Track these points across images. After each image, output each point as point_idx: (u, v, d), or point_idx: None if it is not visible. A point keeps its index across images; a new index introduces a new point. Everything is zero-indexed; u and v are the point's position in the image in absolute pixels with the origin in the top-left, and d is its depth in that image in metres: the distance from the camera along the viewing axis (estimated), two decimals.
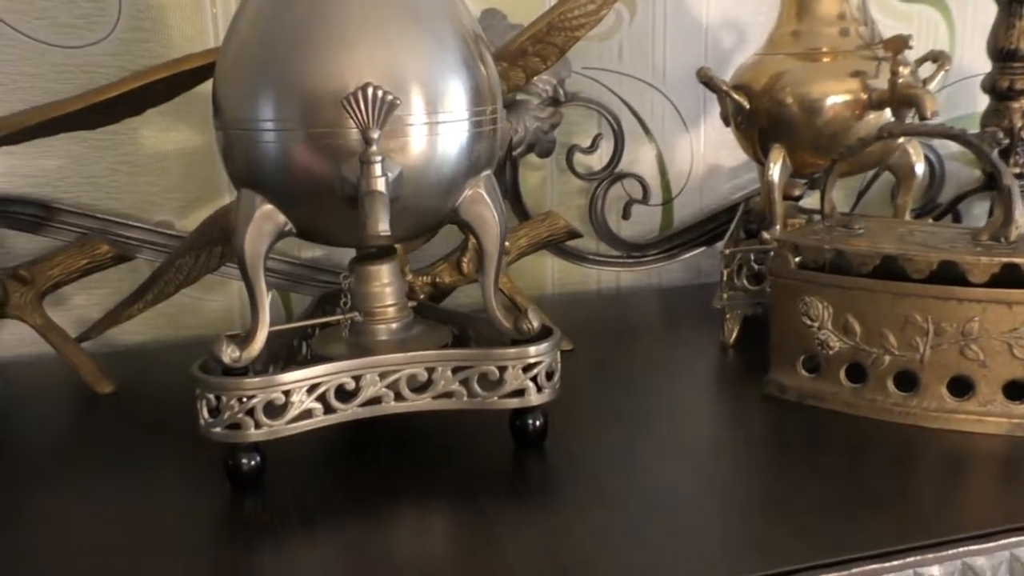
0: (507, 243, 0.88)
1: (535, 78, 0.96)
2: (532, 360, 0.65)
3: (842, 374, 0.72)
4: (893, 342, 0.69)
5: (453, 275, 0.88)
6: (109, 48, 0.92)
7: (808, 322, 0.72)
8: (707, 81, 0.90)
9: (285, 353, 0.72)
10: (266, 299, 0.63)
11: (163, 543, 0.58)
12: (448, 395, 0.65)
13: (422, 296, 0.86)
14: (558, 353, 0.67)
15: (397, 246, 0.86)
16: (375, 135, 0.55)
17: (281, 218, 0.62)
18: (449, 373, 0.65)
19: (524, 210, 1.03)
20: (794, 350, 0.74)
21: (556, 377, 0.67)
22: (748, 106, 0.89)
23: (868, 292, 0.69)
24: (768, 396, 0.76)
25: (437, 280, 0.87)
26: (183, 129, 0.96)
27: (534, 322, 0.66)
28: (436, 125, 0.61)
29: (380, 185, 0.56)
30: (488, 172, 0.65)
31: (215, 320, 1.01)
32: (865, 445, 0.68)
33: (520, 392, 0.65)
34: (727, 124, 0.94)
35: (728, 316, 0.87)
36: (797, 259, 0.73)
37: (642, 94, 1.09)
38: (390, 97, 0.55)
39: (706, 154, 1.13)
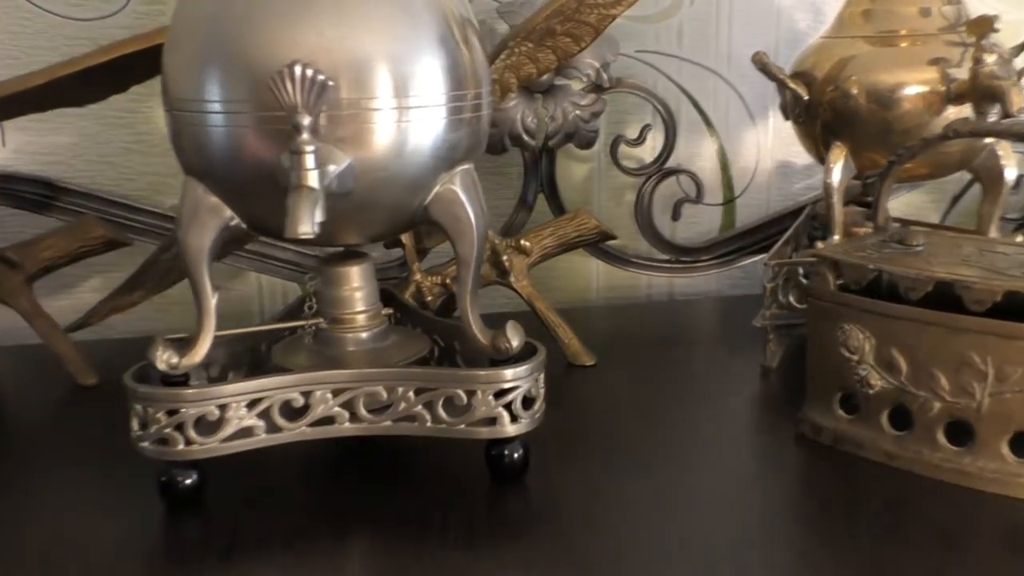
0: (528, 243, 0.80)
1: (576, 62, 0.87)
2: (506, 385, 0.56)
3: (884, 418, 0.61)
4: (945, 385, 0.58)
5: None
6: (124, 20, 0.88)
7: (846, 354, 0.61)
8: (762, 67, 0.80)
9: (249, 360, 0.65)
10: (212, 299, 0.57)
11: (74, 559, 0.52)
12: (411, 419, 0.57)
13: (429, 298, 0.78)
14: (541, 377, 0.58)
15: (406, 241, 0.79)
16: (305, 121, 0.48)
17: (226, 212, 0.55)
18: (411, 394, 0.57)
19: (561, 205, 0.94)
20: (831, 386, 0.63)
21: (538, 405, 0.58)
22: (807, 97, 0.78)
23: (917, 323, 0.58)
24: (801, 436, 0.65)
25: (448, 280, 0.79)
26: None
27: (512, 340, 0.57)
28: (404, 111, 0.53)
29: (311, 179, 0.48)
30: (467, 166, 0.57)
31: (234, 310, 0.96)
32: (907, 508, 0.57)
33: (491, 420, 0.57)
34: (786, 117, 0.83)
35: (771, 336, 0.77)
36: (837, 279, 0.62)
37: (703, 81, 0.98)
38: (321, 77, 0.47)
39: (775, 149, 1.01)
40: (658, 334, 0.88)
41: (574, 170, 0.98)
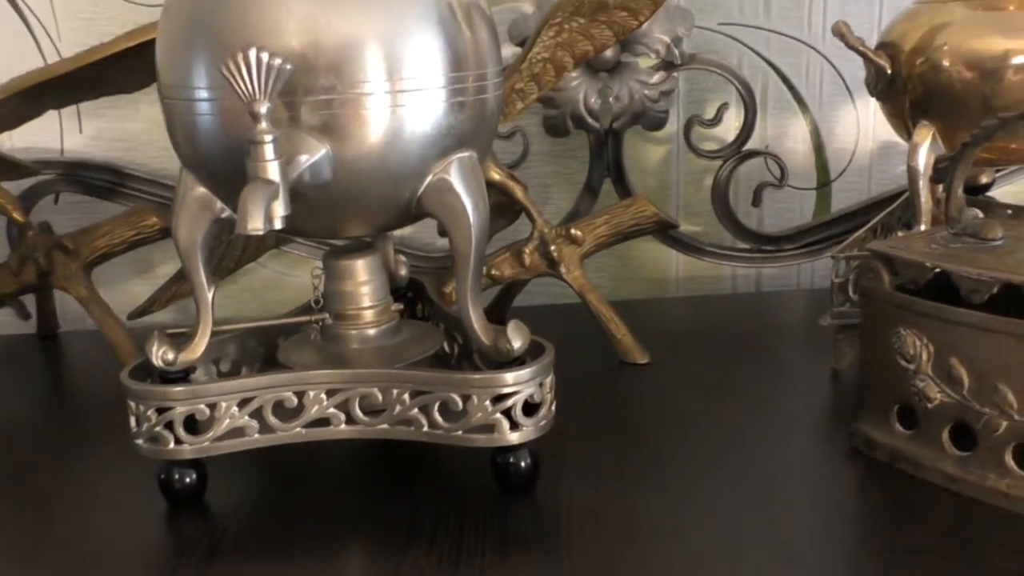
0: (579, 232, 0.75)
1: (644, 37, 0.82)
2: (505, 390, 0.52)
3: (945, 436, 0.53)
4: (1012, 402, 0.50)
5: (514, 267, 0.76)
6: None
7: (903, 362, 0.54)
8: (842, 38, 0.72)
9: (262, 355, 0.63)
10: (209, 293, 0.55)
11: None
12: (407, 423, 0.54)
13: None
14: (548, 381, 0.54)
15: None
16: (262, 109, 0.45)
17: (217, 204, 0.53)
18: (407, 397, 0.53)
19: (628, 191, 0.88)
20: (887, 397, 0.56)
21: (544, 411, 0.54)
22: (890, 71, 0.70)
23: (980, 331, 0.50)
24: (854, 451, 0.58)
25: (494, 272, 0.75)
26: None
27: (514, 341, 0.53)
28: (389, 95, 0.49)
29: (268, 171, 0.45)
30: (465, 153, 0.53)
31: (299, 296, 0.94)
32: (970, 542, 0.49)
33: (489, 427, 0.53)
34: (872, 93, 0.74)
35: (840, 337, 0.69)
36: (895, 277, 0.55)
37: (795, 55, 0.90)
38: (277, 62, 0.44)
39: (877, 128, 0.92)
40: (730, 329, 0.82)
41: (649, 153, 0.92)
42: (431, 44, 0.50)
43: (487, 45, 0.53)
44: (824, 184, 0.93)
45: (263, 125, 0.45)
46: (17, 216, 0.78)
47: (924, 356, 0.53)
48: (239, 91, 0.44)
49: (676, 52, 0.83)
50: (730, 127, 0.89)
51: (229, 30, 0.48)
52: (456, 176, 0.52)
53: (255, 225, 0.44)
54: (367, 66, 0.49)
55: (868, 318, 0.56)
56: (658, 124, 0.85)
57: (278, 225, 0.45)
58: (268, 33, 0.47)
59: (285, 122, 0.48)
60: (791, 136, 0.92)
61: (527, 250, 0.75)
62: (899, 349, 0.54)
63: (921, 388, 0.53)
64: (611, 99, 0.83)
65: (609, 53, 0.81)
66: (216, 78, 0.49)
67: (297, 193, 0.47)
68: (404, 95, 0.50)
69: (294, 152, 0.47)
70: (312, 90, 0.48)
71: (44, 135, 0.89)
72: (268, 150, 0.45)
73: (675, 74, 0.84)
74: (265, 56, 0.44)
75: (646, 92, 0.83)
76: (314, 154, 0.48)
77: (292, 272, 0.95)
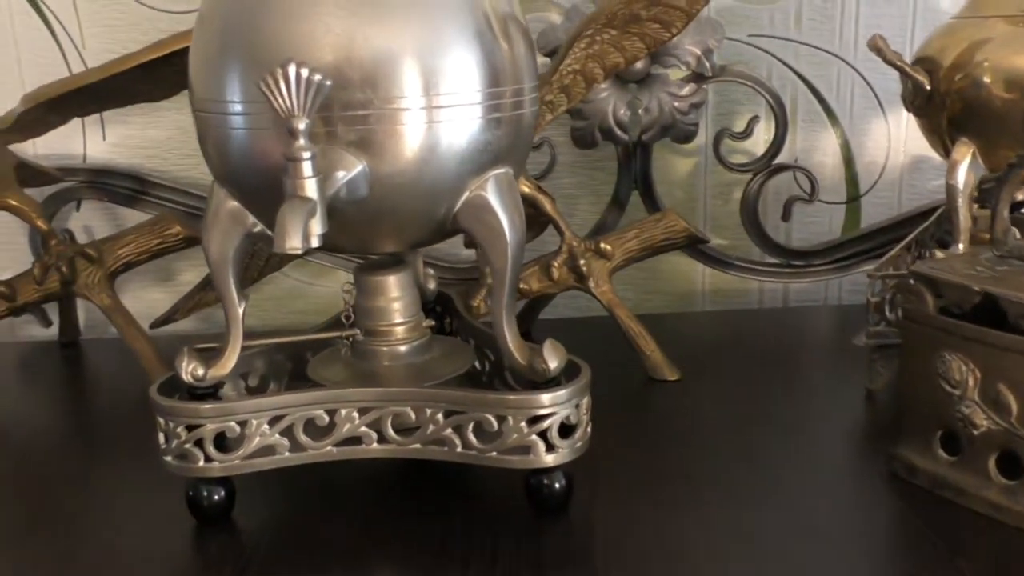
0: (609, 246, 0.74)
1: (674, 48, 0.81)
2: (541, 411, 0.51)
3: (991, 464, 0.52)
4: None
5: (542, 281, 0.75)
6: None
7: (947, 387, 0.53)
8: (878, 52, 0.70)
9: (291, 370, 0.62)
10: (239, 308, 0.54)
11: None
12: (440, 443, 0.53)
13: (582, 262, 0.73)
14: (584, 402, 0.53)
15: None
16: (300, 125, 0.44)
17: (249, 218, 0.52)
18: (440, 417, 0.52)
19: (656, 204, 0.87)
20: (928, 422, 0.55)
21: (580, 432, 0.53)
22: (928, 86, 0.69)
23: None
24: (894, 476, 0.57)
25: (522, 286, 0.74)
26: None
27: (550, 361, 0.52)
28: (426, 111, 0.48)
29: (307, 189, 0.44)
30: (502, 170, 0.52)
31: (322, 306, 0.95)
32: (1017, 574, 0.48)
33: (525, 449, 0.52)
34: (908, 109, 0.73)
35: (875, 356, 0.68)
36: (938, 300, 0.54)
37: (825, 68, 0.89)
38: (317, 78, 0.43)
39: (909, 143, 0.91)
40: (759, 346, 0.81)
41: (678, 165, 0.91)
42: (469, 59, 0.49)
43: (524, 59, 0.52)
44: (854, 198, 0.92)
45: (302, 142, 0.44)
46: (41, 224, 0.77)
47: (971, 381, 0.52)
48: (277, 107, 0.43)
49: (706, 64, 0.81)
50: (759, 140, 0.88)
51: (266, 44, 0.47)
52: (493, 193, 0.51)
53: (293, 244, 0.43)
54: (404, 81, 0.48)
55: (910, 341, 0.55)
56: (688, 136, 0.83)
57: (315, 243, 0.44)
58: (305, 48, 0.46)
59: (322, 138, 0.47)
60: (820, 149, 0.91)
61: (556, 264, 0.74)
62: (943, 374, 0.53)
63: (967, 414, 0.52)
64: (640, 111, 0.82)
65: (639, 64, 0.80)
66: (252, 92, 0.48)
67: (333, 210, 0.47)
68: (441, 111, 0.49)
69: (331, 168, 0.46)
70: (349, 105, 0.47)
71: (67, 142, 0.89)
72: (306, 167, 0.44)
73: (705, 86, 0.83)
74: (305, 71, 0.43)
75: (676, 104, 0.82)
76: (351, 170, 0.47)
77: (315, 282, 0.94)
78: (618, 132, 0.82)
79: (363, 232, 0.51)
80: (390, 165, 0.48)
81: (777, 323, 0.88)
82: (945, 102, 0.69)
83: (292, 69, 0.43)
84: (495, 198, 0.51)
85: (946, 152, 0.71)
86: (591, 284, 0.74)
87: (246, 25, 0.48)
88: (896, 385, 0.67)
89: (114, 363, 0.83)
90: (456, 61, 0.49)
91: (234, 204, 0.52)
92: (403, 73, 0.47)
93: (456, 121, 0.49)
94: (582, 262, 0.73)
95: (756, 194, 0.87)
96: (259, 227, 0.52)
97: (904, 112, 0.89)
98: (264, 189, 0.50)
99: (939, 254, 0.67)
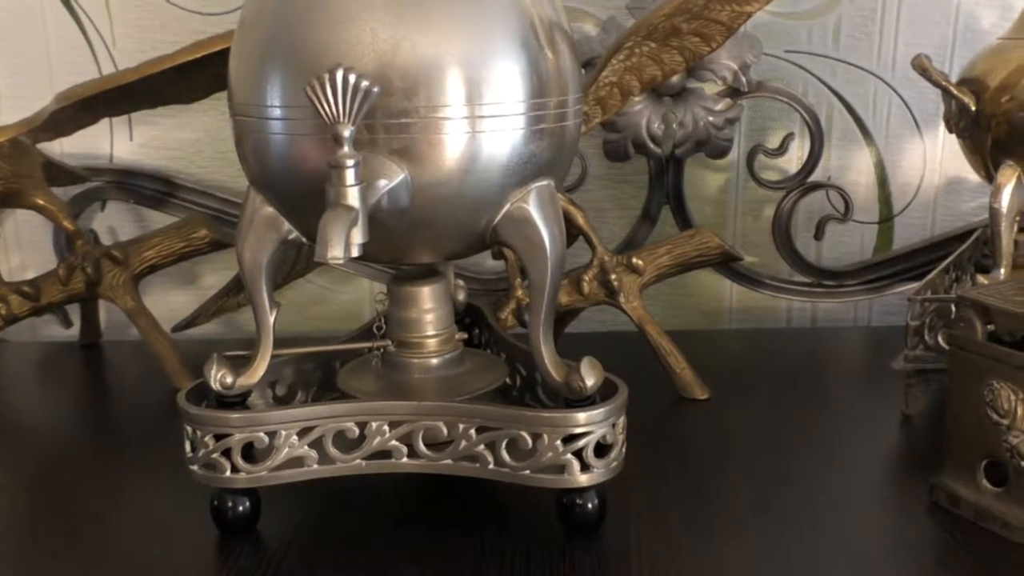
0: (640, 261, 0.73)
1: (711, 63, 0.80)
2: (577, 430, 0.50)
3: None
4: None
5: (571, 294, 0.74)
6: None
7: (995, 416, 0.51)
8: (923, 72, 0.69)
9: (319, 379, 0.61)
10: (271, 316, 0.53)
11: None
12: (472, 459, 0.52)
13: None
14: (620, 421, 0.52)
15: (508, 254, 0.74)
16: (345, 132, 0.43)
17: (284, 225, 0.51)
18: (473, 432, 0.51)
19: (687, 219, 0.86)
20: (974, 451, 0.53)
21: (615, 452, 0.51)
22: (975, 108, 0.67)
23: None
24: (935, 506, 0.56)
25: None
26: None
27: (588, 379, 0.51)
28: (470, 120, 0.47)
29: (349, 197, 0.43)
30: (544, 182, 0.51)
31: (343, 312, 0.94)
32: None
33: (559, 468, 0.50)
34: (950, 130, 0.72)
35: (912, 381, 0.66)
36: (987, 326, 0.52)
37: (862, 86, 0.88)
38: (365, 83, 0.42)
39: (945, 163, 0.90)
40: (789, 366, 0.79)
41: (709, 180, 0.90)
42: (514, 68, 0.48)
43: (569, 70, 0.51)
44: (887, 219, 0.91)
45: (346, 149, 0.43)
46: (68, 224, 0.76)
47: (1019, 411, 0.50)
48: (323, 113, 0.42)
49: (743, 79, 0.80)
50: (792, 157, 0.86)
51: (312, 49, 0.46)
52: (534, 206, 0.50)
53: (335, 253, 0.42)
54: (449, 89, 0.47)
55: (957, 368, 0.54)
56: (722, 152, 0.82)
57: (355, 253, 0.43)
58: (351, 53, 0.45)
59: (364, 145, 0.46)
60: (854, 168, 0.90)
61: (586, 278, 0.73)
62: (991, 402, 0.51)
63: (1015, 444, 0.51)
64: (674, 125, 0.81)
65: (675, 78, 0.79)
66: (294, 97, 0.47)
67: (373, 219, 0.46)
68: (485, 120, 0.48)
69: (373, 177, 0.45)
70: (392, 113, 0.46)
71: (94, 141, 0.88)
72: (350, 175, 0.43)
73: (741, 102, 0.82)
74: (352, 77, 0.42)
75: (711, 119, 0.81)
76: (393, 179, 0.46)
77: (338, 288, 0.93)
78: (651, 146, 0.81)
79: (401, 242, 0.50)
80: (432, 175, 0.47)
81: (807, 344, 0.86)
82: (990, 124, 0.68)
83: (340, 74, 0.42)
84: (537, 211, 0.50)
85: (988, 174, 0.70)
86: (621, 299, 0.73)
87: (291, 29, 0.47)
88: (934, 411, 0.66)
89: (135, 366, 0.82)
90: (502, 70, 0.48)
91: (270, 210, 0.51)
92: (448, 81, 0.46)
93: (500, 131, 0.48)
94: (613, 277, 0.72)
95: (789, 212, 0.86)
96: (294, 234, 0.52)
97: (940, 133, 0.89)
98: (302, 196, 0.49)
99: (982, 279, 0.66)
